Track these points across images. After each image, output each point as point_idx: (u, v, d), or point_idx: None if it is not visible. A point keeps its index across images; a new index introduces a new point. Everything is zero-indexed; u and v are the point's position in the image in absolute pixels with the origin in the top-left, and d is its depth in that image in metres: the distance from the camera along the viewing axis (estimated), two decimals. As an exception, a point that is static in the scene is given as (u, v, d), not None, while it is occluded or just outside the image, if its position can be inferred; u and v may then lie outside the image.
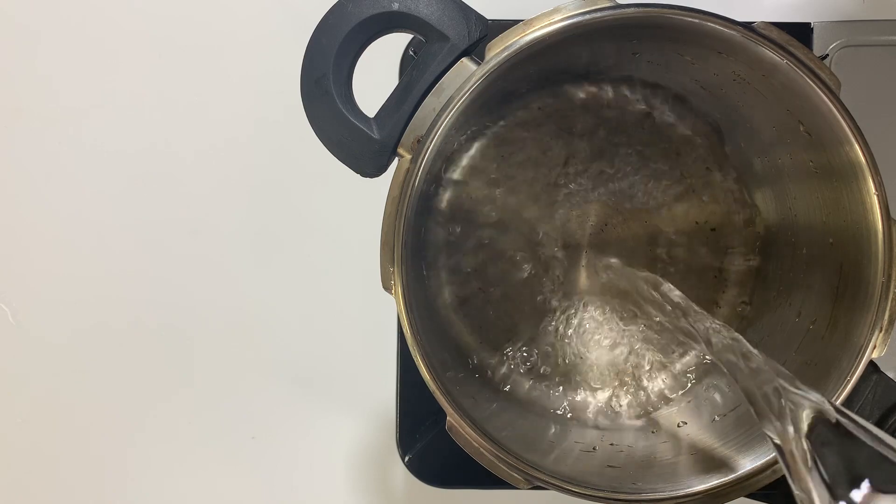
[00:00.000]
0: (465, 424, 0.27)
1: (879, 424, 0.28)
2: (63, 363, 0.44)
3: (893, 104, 0.38)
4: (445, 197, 0.35)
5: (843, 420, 0.19)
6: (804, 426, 0.20)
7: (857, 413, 0.27)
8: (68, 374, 0.44)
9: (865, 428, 0.19)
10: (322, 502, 0.44)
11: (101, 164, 0.44)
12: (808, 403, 0.20)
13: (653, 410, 0.35)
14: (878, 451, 0.18)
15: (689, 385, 0.35)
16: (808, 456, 0.19)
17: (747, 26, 0.27)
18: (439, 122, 0.27)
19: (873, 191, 0.27)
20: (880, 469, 0.18)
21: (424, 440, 0.37)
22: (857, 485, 0.17)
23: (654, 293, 0.31)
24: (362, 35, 0.27)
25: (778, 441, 0.21)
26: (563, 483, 0.27)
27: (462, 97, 0.27)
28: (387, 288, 0.27)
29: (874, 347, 0.27)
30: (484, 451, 0.28)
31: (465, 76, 0.27)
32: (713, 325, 0.28)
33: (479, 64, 0.27)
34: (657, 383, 0.35)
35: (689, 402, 0.35)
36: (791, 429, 0.20)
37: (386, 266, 0.27)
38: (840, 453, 0.18)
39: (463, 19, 0.27)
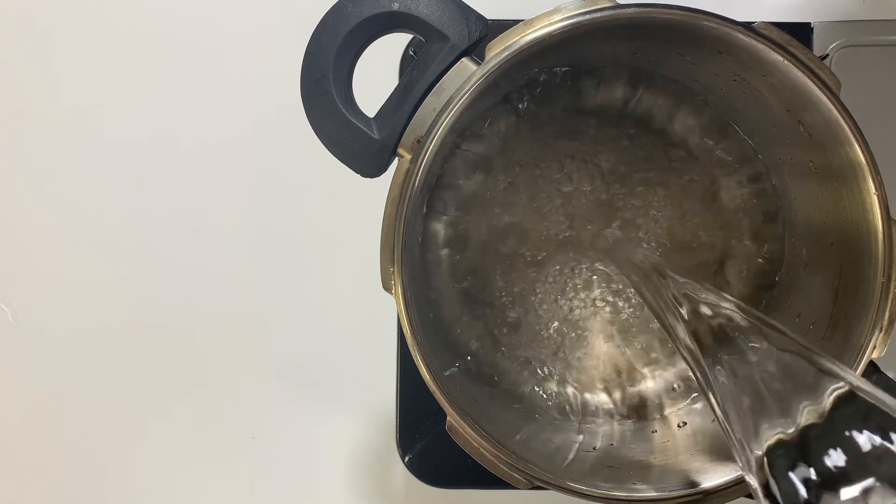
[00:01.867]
0: (465, 424, 0.27)
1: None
2: (63, 363, 0.44)
3: (893, 104, 0.38)
4: (446, 196, 0.35)
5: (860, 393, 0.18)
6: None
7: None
8: (68, 375, 0.44)
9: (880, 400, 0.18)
10: (322, 502, 0.44)
11: (101, 165, 0.44)
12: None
13: (653, 411, 0.35)
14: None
15: (690, 385, 0.35)
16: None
17: (747, 26, 0.27)
18: (439, 122, 0.27)
19: (873, 191, 0.27)
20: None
21: (424, 440, 0.37)
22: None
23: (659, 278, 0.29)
24: (362, 35, 0.27)
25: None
26: (563, 483, 0.27)
27: (462, 97, 0.27)
28: (387, 288, 0.27)
29: (874, 347, 0.27)
30: (484, 451, 0.28)
31: (465, 76, 0.27)
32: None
33: (479, 64, 0.27)
34: (658, 384, 0.35)
35: (689, 402, 0.35)
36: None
37: (386, 266, 0.27)
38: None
39: (463, 19, 0.27)
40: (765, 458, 0.18)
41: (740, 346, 0.23)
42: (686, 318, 0.26)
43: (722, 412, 0.21)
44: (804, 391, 0.19)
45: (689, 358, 0.25)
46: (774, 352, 0.21)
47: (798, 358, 0.20)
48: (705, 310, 0.25)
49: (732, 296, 0.35)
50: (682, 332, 0.26)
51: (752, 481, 0.19)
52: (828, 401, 0.18)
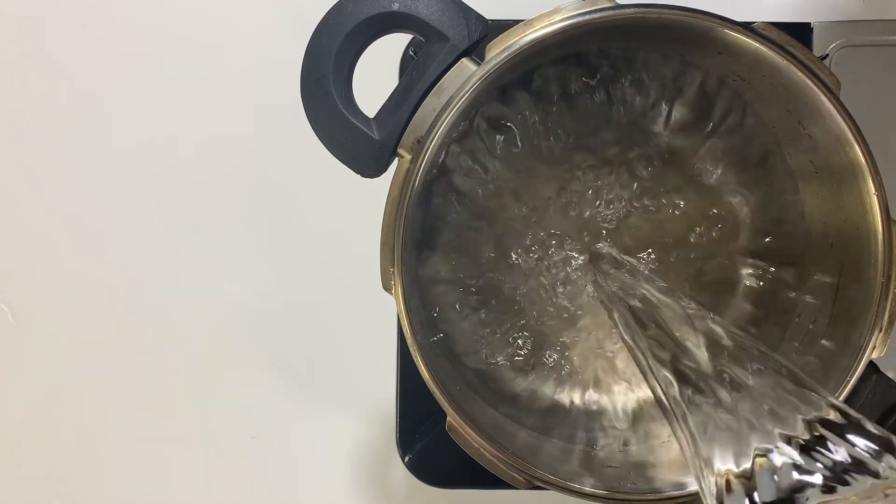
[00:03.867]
0: (465, 424, 0.27)
1: (879, 424, 0.28)
2: (63, 363, 0.44)
3: (893, 104, 0.38)
4: (446, 196, 0.35)
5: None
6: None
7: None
8: (68, 375, 0.44)
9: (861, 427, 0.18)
10: (322, 502, 0.44)
11: (101, 164, 0.44)
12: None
13: (653, 412, 0.35)
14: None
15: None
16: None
17: (747, 26, 0.27)
18: (439, 123, 0.27)
19: (873, 191, 0.27)
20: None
21: (424, 440, 0.37)
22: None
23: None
24: (362, 35, 0.27)
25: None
26: (563, 483, 0.27)
27: (462, 97, 0.27)
28: (387, 288, 0.27)
29: (874, 347, 0.27)
30: (484, 451, 0.28)
31: (465, 76, 0.27)
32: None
33: (479, 64, 0.27)
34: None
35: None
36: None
37: (386, 266, 0.27)
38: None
39: (463, 19, 0.27)
40: (724, 482, 0.19)
41: (718, 370, 0.23)
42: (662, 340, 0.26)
43: (686, 436, 0.22)
44: (778, 417, 0.20)
45: (656, 380, 0.25)
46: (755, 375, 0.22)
47: (778, 382, 0.21)
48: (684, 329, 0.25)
49: (731, 296, 0.35)
50: (652, 352, 0.26)
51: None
52: (802, 426, 0.19)
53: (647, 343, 0.26)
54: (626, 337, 0.28)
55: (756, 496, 0.18)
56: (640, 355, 0.27)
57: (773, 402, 0.20)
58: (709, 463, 0.20)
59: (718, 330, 0.24)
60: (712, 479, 0.19)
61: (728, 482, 0.19)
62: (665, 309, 0.27)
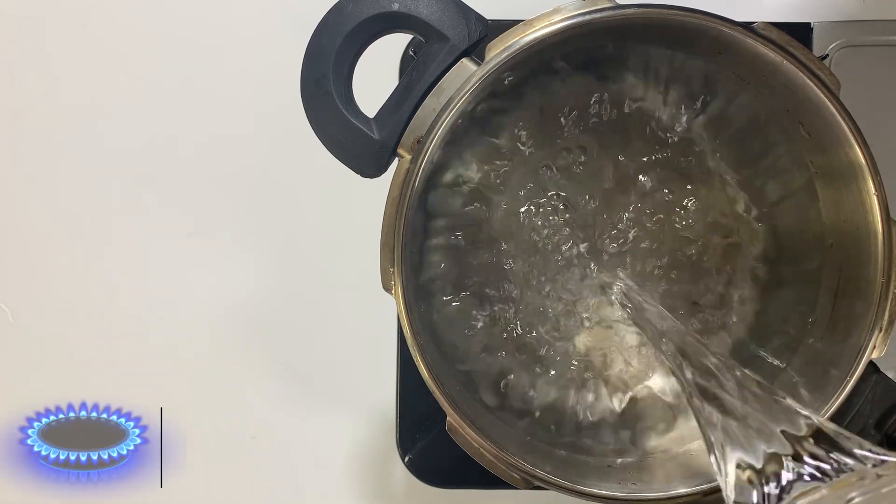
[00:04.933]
0: (465, 424, 0.27)
1: (879, 425, 0.28)
2: (63, 363, 0.44)
3: (893, 104, 0.38)
4: (446, 196, 0.35)
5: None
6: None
7: (856, 413, 0.28)
8: (68, 375, 0.44)
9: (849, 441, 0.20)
10: (322, 502, 0.44)
11: (101, 165, 0.44)
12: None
13: (653, 412, 0.35)
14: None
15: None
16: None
17: (747, 26, 0.27)
18: (439, 123, 0.27)
19: (873, 191, 0.27)
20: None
21: (424, 440, 0.37)
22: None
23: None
24: (362, 35, 0.27)
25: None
26: (563, 483, 0.27)
27: (462, 97, 0.27)
28: (387, 288, 0.28)
29: (874, 347, 0.27)
30: (484, 451, 0.28)
31: (465, 76, 0.27)
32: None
33: (479, 64, 0.27)
34: (657, 387, 0.35)
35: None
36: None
37: (386, 266, 0.27)
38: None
39: (463, 20, 0.27)
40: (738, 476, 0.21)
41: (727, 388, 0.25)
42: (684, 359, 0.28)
43: (708, 437, 0.24)
44: (772, 429, 0.22)
45: (686, 387, 0.26)
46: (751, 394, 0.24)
47: (770, 402, 0.23)
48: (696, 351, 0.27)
49: (732, 294, 0.35)
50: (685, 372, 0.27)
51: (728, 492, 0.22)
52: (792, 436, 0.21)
53: (669, 358, 0.28)
54: (659, 348, 0.29)
55: (766, 488, 0.20)
56: (668, 365, 0.28)
57: (770, 421, 0.22)
58: (728, 459, 0.22)
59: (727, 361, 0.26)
60: (732, 471, 0.21)
61: (745, 474, 0.21)
62: (673, 333, 0.28)
